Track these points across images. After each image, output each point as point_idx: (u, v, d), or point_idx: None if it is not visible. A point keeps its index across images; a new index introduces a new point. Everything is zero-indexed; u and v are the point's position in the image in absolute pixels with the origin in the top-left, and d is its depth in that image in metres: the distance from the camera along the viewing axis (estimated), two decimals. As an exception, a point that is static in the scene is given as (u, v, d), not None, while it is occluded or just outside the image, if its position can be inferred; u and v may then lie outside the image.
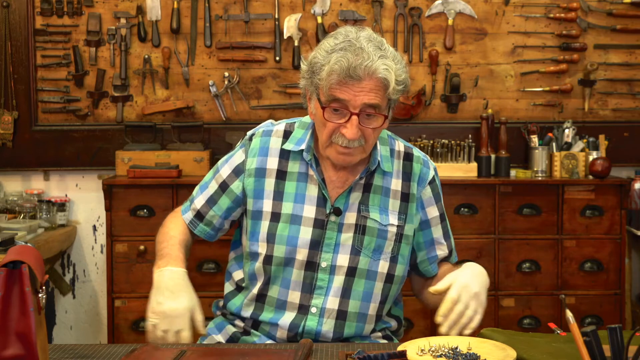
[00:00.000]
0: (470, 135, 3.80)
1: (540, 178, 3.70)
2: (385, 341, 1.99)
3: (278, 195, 1.94)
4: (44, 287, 1.39)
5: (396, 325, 2.05)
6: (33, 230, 3.48)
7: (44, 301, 1.38)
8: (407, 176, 1.97)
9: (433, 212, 2.00)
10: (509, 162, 3.75)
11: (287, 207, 1.93)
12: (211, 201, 2.00)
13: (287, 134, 1.97)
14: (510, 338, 1.66)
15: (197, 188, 2.06)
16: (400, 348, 1.55)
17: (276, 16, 3.83)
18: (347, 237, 1.92)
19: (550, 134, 3.79)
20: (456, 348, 1.55)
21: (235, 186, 1.97)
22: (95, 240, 3.94)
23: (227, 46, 3.85)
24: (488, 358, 1.51)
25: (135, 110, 3.88)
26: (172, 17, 3.81)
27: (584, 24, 3.88)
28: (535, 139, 3.77)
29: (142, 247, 3.51)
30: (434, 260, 2.03)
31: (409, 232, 1.97)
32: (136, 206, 3.54)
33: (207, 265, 3.52)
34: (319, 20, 3.82)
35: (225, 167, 2.00)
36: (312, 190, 1.93)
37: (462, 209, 3.58)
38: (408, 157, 1.99)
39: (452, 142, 3.75)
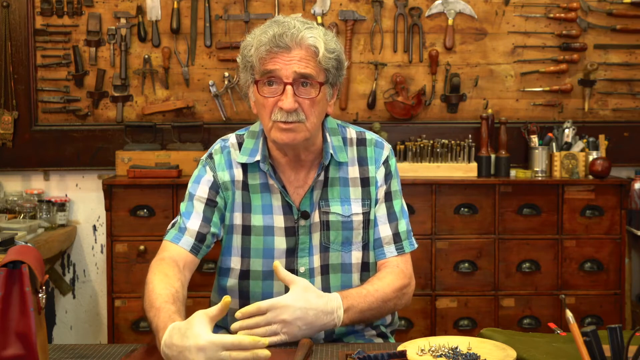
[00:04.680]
0: (470, 135, 3.80)
1: (540, 178, 3.69)
2: (380, 340, 1.99)
3: (247, 208, 1.93)
4: (44, 287, 1.39)
5: (390, 318, 2.03)
6: (33, 230, 3.48)
7: (44, 301, 1.38)
8: (363, 160, 1.98)
9: (382, 191, 1.98)
10: (509, 162, 3.75)
11: (257, 220, 1.92)
12: (206, 220, 1.91)
13: (239, 146, 1.96)
14: (510, 338, 1.66)
15: (180, 218, 1.92)
16: (400, 348, 1.56)
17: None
18: (316, 236, 1.93)
19: (550, 134, 3.79)
20: (456, 348, 1.55)
21: (219, 202, 1.93)
22: (95, 240, 3.94)
23: (227, 46, 3.85)
24: (488, 358, 1.51)
25: (135, 110, 3.88)
26: (172, 17, 3.81)
27: (584, 24, 3.88)
28: (535, 139, 3.77)
29: (142, 247, 3.51)
30: (379, 244, 1.96)
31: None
32: (136, 206, 3.54)
33: (207, 265, 3.52)
34: (319, 20, 3.82)
35: (200, 187, 1.93)
36: (277, 200, 1.93)
37: (462, 209, 3.58)
38: (361, 142, 1.99)
39: (452, 142, 3.75)
